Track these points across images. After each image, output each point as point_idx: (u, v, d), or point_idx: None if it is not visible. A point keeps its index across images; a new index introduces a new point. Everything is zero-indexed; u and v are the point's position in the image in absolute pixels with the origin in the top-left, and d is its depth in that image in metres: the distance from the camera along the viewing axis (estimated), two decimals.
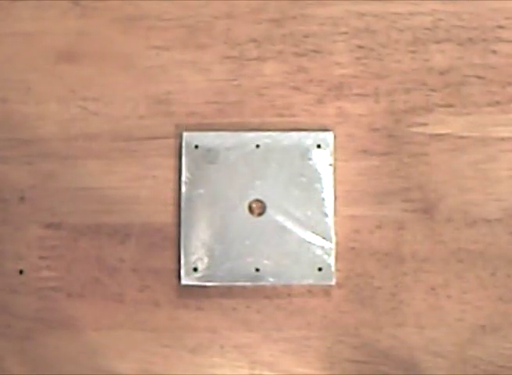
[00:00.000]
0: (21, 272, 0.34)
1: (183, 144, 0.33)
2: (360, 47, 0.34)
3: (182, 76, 0.34)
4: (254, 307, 0.34)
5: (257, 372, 0.33)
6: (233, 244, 0.33)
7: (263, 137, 0.33)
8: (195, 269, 0.33)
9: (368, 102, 0.34)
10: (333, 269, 0.33)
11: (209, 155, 0.33)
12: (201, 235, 0.33)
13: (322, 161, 0.33)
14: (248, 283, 0.33)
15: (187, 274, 0.33)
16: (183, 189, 0.33)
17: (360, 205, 0.34)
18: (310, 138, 0.33)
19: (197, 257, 0.33)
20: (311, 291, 0.34)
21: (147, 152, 0.34)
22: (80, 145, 0.34)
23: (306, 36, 0.34)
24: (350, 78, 0.34)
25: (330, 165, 0.33)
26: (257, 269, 0.33)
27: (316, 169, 0.33)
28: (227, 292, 0.34)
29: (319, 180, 0.33)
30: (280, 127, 0.34)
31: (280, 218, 0.33)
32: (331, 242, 0.33)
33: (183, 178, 0.33)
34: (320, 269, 0.33)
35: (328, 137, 0.33)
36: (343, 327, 0.34)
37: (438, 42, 0.34)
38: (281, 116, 0.34)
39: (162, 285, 0.33)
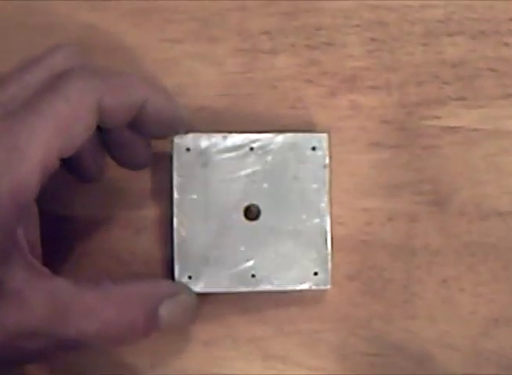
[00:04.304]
0: None
1: (174, 147, 0.32)
2: (372, 39, 0.34)
3: (194, 69, 0.34)
4: (267, 300, 0.34)
5: (270, 365, 0.34)
6: (228, 250, 0.32)
7: (256, 140, 0.32)
8: (190, 277, 0.32)
9: (381, 95, 0.34)
10: (329, 273, 0.32)
11: (201, 159, 0.32)
12: (195, 241, 0.32)
13: (317, 163, 0.32)
14: (244, 290, 0.32)
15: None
16: (175, 194, 0.32)
17: (372, 197, 0.34)
18: (304, 140, 0.32)
19: (192, 263, 0.32)
20: None
21: (155, 147, 0.34)
22: None
23: (318, 29, 0.34)
24: (363, 71, 0.34)
25: (325, 167, 0.32)
26: (253, 275, 0.32)
27: (311, 172, 0.32)
28: None
29: (314, 182, 0.32)
30: (293, 120, 0.34)
31: (275, 222, 0.32)
32: (327, 246, 0.32)
33: (175, 182, 0.32)
34: (316, 274, 0.32)
35: (323, 139, 0.32)
36: (355, 320, 0.34)
37: (450, 35, 0.34)
38: (294, 108, 0.34)
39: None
